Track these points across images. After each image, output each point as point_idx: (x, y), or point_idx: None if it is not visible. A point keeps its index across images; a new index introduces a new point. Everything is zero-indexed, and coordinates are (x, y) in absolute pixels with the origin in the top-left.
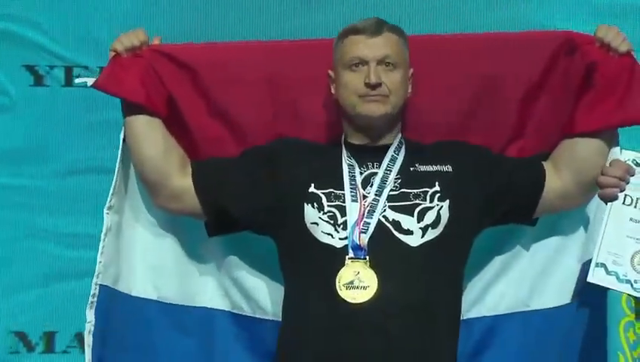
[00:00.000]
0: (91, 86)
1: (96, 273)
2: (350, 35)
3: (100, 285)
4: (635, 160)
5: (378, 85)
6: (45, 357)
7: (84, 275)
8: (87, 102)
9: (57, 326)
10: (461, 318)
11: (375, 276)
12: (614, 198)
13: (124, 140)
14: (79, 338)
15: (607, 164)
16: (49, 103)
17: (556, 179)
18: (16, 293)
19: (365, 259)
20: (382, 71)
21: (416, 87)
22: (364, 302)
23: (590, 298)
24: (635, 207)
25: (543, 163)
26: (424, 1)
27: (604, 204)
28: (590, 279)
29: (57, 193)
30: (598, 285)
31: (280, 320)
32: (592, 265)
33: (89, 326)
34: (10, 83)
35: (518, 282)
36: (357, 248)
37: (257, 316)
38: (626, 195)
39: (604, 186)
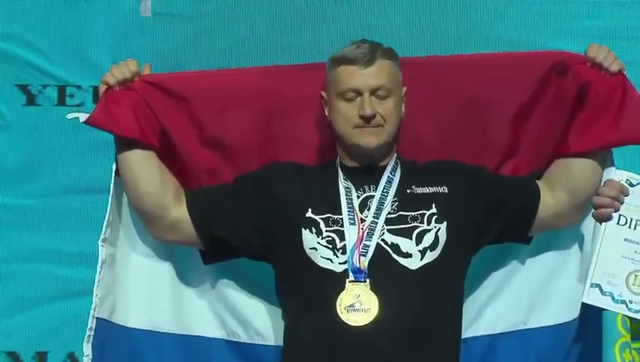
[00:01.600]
0: (84, 122)
1: (92, 306)
2: (343, 64)
3: (97, 318)
4: (628, 180)
5: (372, 117)
6: None
7: (77, 295)
8: (79, 122)
9: (50, 346)
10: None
11: (376, 298)
12: (609, 218)
13: (117, 173)
14: (72, 358)
15: (602, 184)
16: (41, 122)
17: (550, 198)
18: (9, 313)
19: (365, 281)
20: (376, 101)
21: (409, 107)
22: (365, 325)
23: (587, 318)
24: (630, 227)
25: (538, 182)
26: (415, 23)
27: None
28: (585, 300)
29: (49, 212)
30: (594, 306)
31: (278, 344)
32: (587, 285)
33: (86, 360)
34: (3, 102)
35: (515, 300)
36: (357, 271)
37: (256, 342)
38: (620, 215)
39: (598, 206)
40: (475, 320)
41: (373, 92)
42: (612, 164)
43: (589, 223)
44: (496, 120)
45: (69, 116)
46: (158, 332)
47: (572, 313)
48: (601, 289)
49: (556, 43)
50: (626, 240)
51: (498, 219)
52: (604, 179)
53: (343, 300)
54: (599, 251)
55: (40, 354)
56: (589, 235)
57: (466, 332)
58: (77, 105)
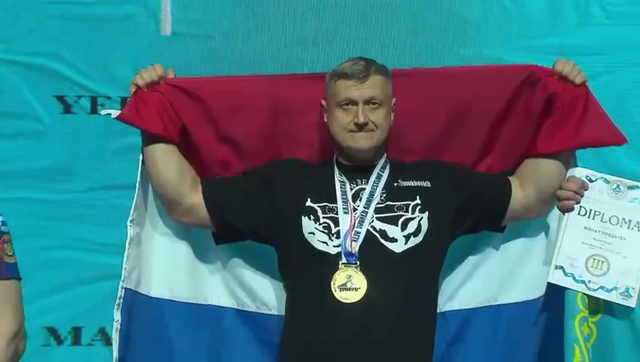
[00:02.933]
0: (115, 118)
1: (122, 278)
2: (341, 78)
3: (125, 289)
4: (588, 176)
5: (365, 124)
6: (73, 349)
7: (107, 278)
8: (109, 128)
9: (84, 322)
10: (438, 311)
11: (365, 279)
12: (571, 209)
13: (142, 163)
14: (102, 332)
15: (565, 180)
16: (76, 129)
17: (520, 193)
18: (48, 294)
19: (356, 264)
20: (368, 110)
21: (400, 113)
22: (355, 302)
23: (551, 296)
24: (589, 217)
25: (510, 178)
26: (400, 43)
27: (563, 214)
28: (550, 279)
29: (84, 206)
30: (557, 285)
31: (281, 314)
32: (552, 267)
33: (116, 325)
34: (44, 111)
35: (487, 280)
36: (349, 254)
37: (261, 311)
38: (580, 207)
39: (562, 199)
40: (453, 296)
41: (367, 102)
42: (575, 165)
43: (553, 215)
44: (474, 124)
45: (103, 112)
46: (177, 301)
47: (537, 292)
48: (564, 271)
49: (520, 59)
50: (585, 228)
51: (474, 210)
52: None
53: (337, 280)
54: (562, 238)
55: (75, 329)
56: (554, 226)
57: (445, 307)
58: (108, 116)
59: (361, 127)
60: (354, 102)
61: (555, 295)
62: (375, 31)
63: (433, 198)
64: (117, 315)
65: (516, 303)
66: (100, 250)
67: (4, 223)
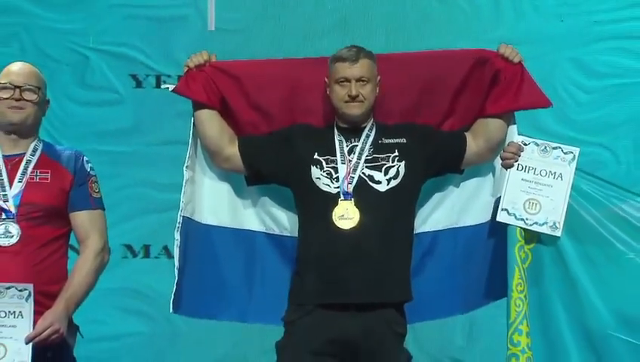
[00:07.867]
0: (172, 91)
1: (180, 208)
2: (339, 61)
3: (183, 216)
4: (523, 141)
5: (357, 96)
6: (143, 261)
7: (168, 209)
8: (169, 99)
9: (152, 241)
10: (414, 233)
11: (358, 211)
12: (511, 166)
13: (193, 124)
14: (166, 249)
15: (506, 145)
16: (145, 99)
17: (473, 144)
18: (126, 220)
19: (351, 200)
20: (359, 86)
21: (383, 87)
22: (350, 228)
23: (497, 229)
24: (524, 171)
25: (465, 133)
26: (385, 37)
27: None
28: (498, 219)
29: (151, 156)
30: (504, 222)
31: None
32: (499, 210)
33: (176, 243)
34: (121, 86)
35: (450, 209)
36: (346, 193)
37: (283, 234)
38: (518, 164)
39: (504, 158)
40: (424, 221)
41: (358, 80)
42: (514, 123)
43: (498, 161)
44: (440, 94)
45: (163, 87)
46: (221, 226)
47: (486, 217)
48: (507, 212)
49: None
50: (522, 179)
51: (439, 158)
52: (508, 133)
53: (337, 212)
54: (506, 187)
55: (145, 246)
56: (498, 168)
57: (419, 229)
58: (167, 90)
59: (353, 98)
60: (348, 80)
61: (500, 228)
62: (370, 31)
63: (408, 151)
64: (177, 235)
65: (471, 225)
66: (162, 188)
67: (92, 168)
